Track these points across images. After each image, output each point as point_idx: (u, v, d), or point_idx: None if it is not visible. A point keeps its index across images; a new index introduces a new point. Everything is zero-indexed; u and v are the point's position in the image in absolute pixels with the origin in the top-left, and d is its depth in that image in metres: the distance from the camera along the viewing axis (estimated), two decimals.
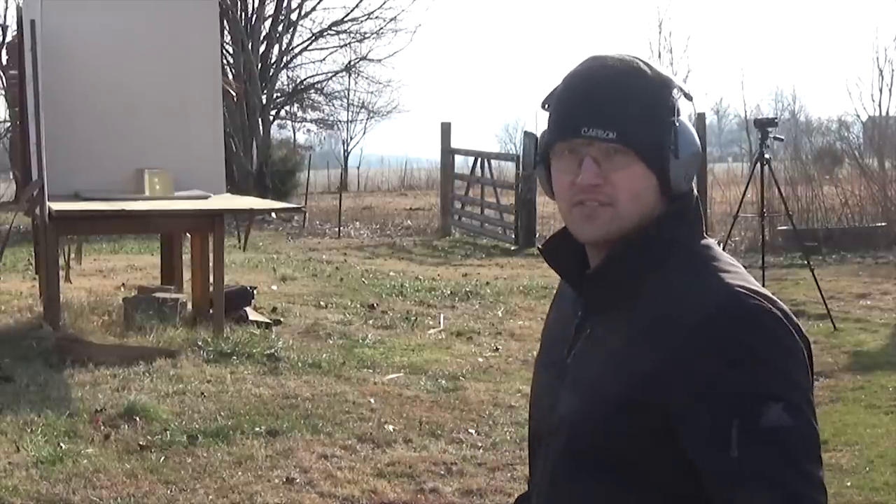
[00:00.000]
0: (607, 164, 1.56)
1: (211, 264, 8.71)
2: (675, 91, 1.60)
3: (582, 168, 1.57)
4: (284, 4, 26.28)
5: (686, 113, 1.61)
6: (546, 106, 1.65)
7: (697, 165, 1.62)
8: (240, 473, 5.45)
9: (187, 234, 10.24)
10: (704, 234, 1.65)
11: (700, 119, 16.32)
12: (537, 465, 1.71)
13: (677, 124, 1.58)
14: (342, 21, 27.79)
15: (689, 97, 1.65)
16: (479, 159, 18.38)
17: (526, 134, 17.35)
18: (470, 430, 6.31)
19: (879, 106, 24.09)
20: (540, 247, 1.72)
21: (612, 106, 1.56)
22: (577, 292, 1.67)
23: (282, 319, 9.29)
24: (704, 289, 1.54)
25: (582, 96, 1.59)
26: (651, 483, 1.54)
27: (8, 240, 11.66)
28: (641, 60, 1.61)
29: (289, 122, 32.87)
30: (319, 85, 30.37)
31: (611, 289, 1.61)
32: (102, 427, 6.11)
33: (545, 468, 1.67)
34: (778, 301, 1.55)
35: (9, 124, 21.86)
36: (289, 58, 27.88)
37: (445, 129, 18.96)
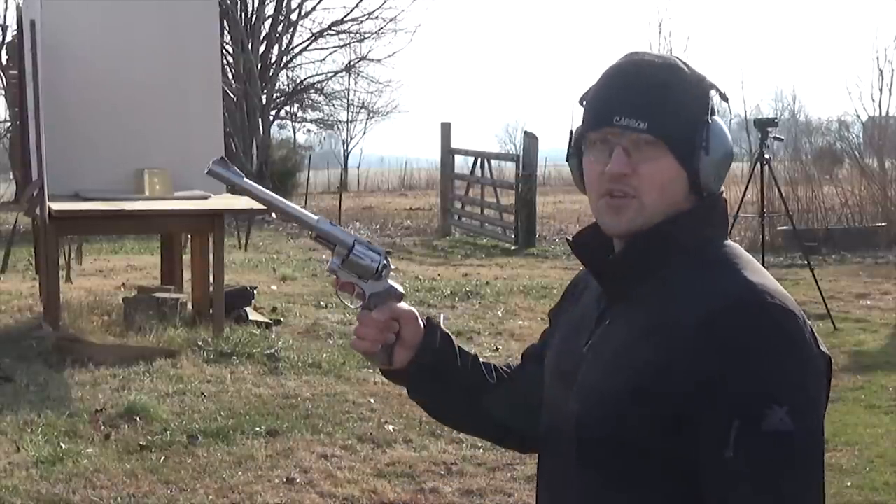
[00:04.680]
0: (637, 155, 1.57)
1: (211, 264, 8.71)
2: (711, 91, 1.61)
3: (612, 157, 1.57)
4: (284, 4, 26.28)
5: (721, 114, 1.62)
6: (583, 102, 1.66)
7: (728, 166, 1.62)
8: (240, 473, 5.45)
9: (187, 234, 10.24)
10: (728, 237, 1.65)
11: None
12: (549, 456, 1.71)
13: (711, 122, 1.59)
14: (342, 21, 27.79)
15: (724, 98, 1.66)
16: (479, 159, 18.38)
17: (526, 134, 17.35)
18: None
19: (879, 106, 24.12)
20: (569, 238, 1.72)
21: (645, 97, 1.57)
22: (601, 283, 1.67)
23: (282, 319, 9.29)
24: (722, 285, 1.54)
25: (617, 87, 1.60)
26: (662, 474, 1.53)
27: (12, 243, 11.68)
28: (680, 59, 1.63)
29: (289, 122, 32.91)
30: (319, 85, 30.38)
31: (630, 277, 1.61)
32: (102, 427, 6.11)
33: (557, 459, 1.67)
34: (797, 306, 1.54)
35: (9, 124, 21.86)
36: (289, 58, 27.88)
37: (445, 129, 18.95)
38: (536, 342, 1.89)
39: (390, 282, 1.79)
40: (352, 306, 1.81)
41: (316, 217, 1.80)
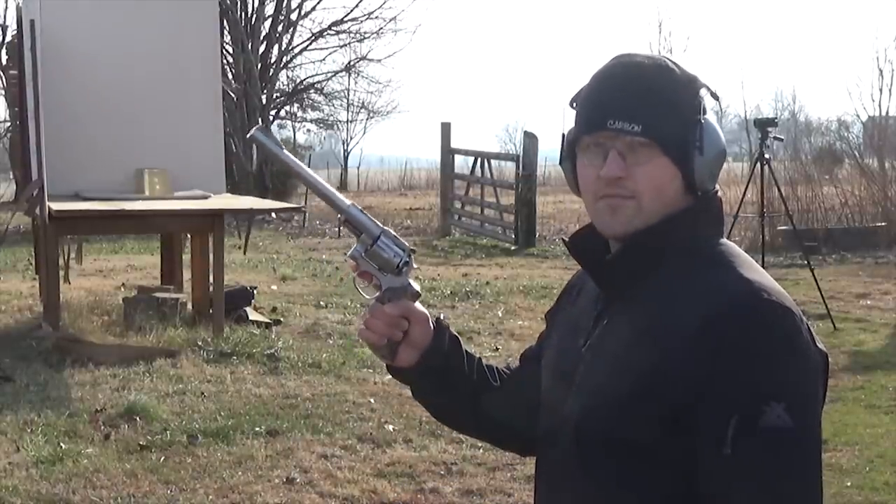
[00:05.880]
0: (632, 158, 1.57)
1: (211, 264, 8.72)
2: (702, 90, 1.62)
3: (606, 161, 1.58)
4: (284, 4, 26.28)
5: (712, 112, 1.63)
6: (574, 104, 1.66)
7: (722, 164, 1.63)
8: (240, 473, 5.45)
9: (187, 234, 10.24)
10: (724, 235, 1.66)
11: None
12: (547, 456, 1.71)
13: (703, 122, 1.59)
14: (342, 21, 27.78)
15: (716, 97, 1.67)
16: (479, 159, 18.38)
17: (526, 134, 17.34)
18: None
19: (879, 106, 24.12)
20: (565, 239, 1.72)
21: (638, 100, 1.57)
22: (597, 283, 1.67)
23: (282, 319, 9.29)
24: (719, 284, 1.54)
25: (609, 91, 1.60)
26: (661, 474, 1.53)
27: (4, 240, 11.67)
28: (670, 59, 1.64)
29: (289, 122, 32.88)
30: (319, 85, 30.37)
31: (627, 276, 1.61)
32: (102, 427, 6.12)
33: (556, 460, 1.67)
34: (794, 304, 1.54)
35: (9, 124, 21.86)
36: (289, 58, 27.87)
37: (445, 129, 18.95)
38: (534, 344, 1.89)
39: (410, 280, 1.78)
40: (366, 296, 1.79)
41: (348, 202, 1.79)
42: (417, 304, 1.78)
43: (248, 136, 1.75)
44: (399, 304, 1.75)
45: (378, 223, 1.78)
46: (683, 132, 1.58)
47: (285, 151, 1.77)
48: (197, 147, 9.53)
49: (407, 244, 1.78)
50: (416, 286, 1.79)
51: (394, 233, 1.79)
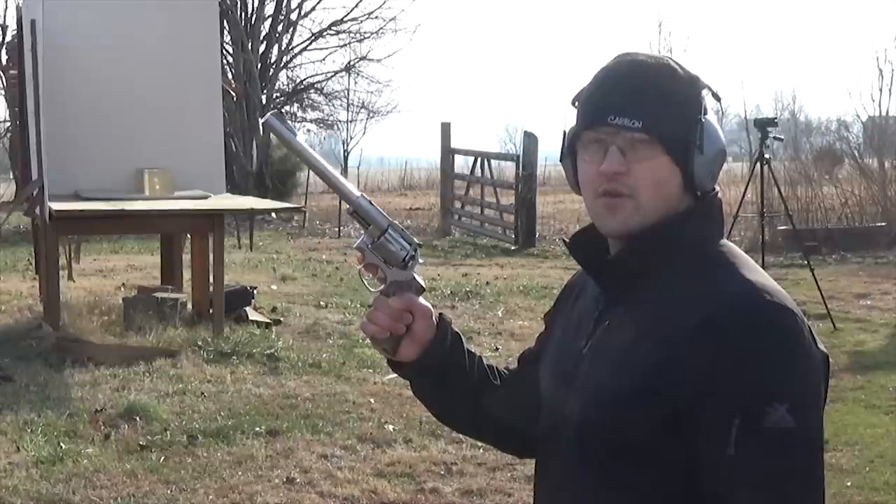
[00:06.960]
0: (632, 154, 1.57)
1: (211, 264, 8.72)
2: (703, 90, 1.63)
3: (606, 156, 1.58)
4: (284, 4, 26.28)
5: (713, 112, 1.63)
6: (575, 103, 1.66)
7: (722, 164, 1.63)
8: (240, 473, 5.45)
9: (187, 234, 10.25)
10: (724, 236, 1.66)
11: None
12: (548, 457, 1.71)
13: (704, 121, 1.60)
14: (342, 21, 27.76)
15: (717, 97, 1.68)
16: (479, 159, 18.38)
17: (526, 134, 17.34)
18: None
19: (879, 106, 24.02)
20: (565, 239, 1.72)
21: (639, 97, 1.57)
22: (598, 284, 1.67)
23: (282, 319, 9.29)
24: (720, 285, 1.54)
25: (611, 88, 1.60)
26: (663, 474, 1.53)
27: None
28: (672, 59, 1.64)
29: (289, 122, 32.85)
30: (319, 85, 30.34)
31: (629, 276, 1.61)
32: (102, 427, 6.12)
33: (556, 460, 1.67)
34: (795, 305, 1.55)
35: (9, 124, 21.86)
36: (289, 58, 27.85)
37: (445, 129, 18.95)
38: (533, 346, 1.89)
39: (415, 275, 1.77)
40: (370, 289, 1.79)
41: (358, 193, 1.79)
42: (421, 299, 1.78)
43: (262, 121, 1.75)
44: (403, 297, 1.75)
45: (386, 216, 1.78)
46: (684, 131, 1.58)
47: (298, 139, 1.76)
48: (197, 147, 9.53)
49: (414, 239, 1.78)
50: (421, 281, 1.78)
51: (401, 227, 1.79)
